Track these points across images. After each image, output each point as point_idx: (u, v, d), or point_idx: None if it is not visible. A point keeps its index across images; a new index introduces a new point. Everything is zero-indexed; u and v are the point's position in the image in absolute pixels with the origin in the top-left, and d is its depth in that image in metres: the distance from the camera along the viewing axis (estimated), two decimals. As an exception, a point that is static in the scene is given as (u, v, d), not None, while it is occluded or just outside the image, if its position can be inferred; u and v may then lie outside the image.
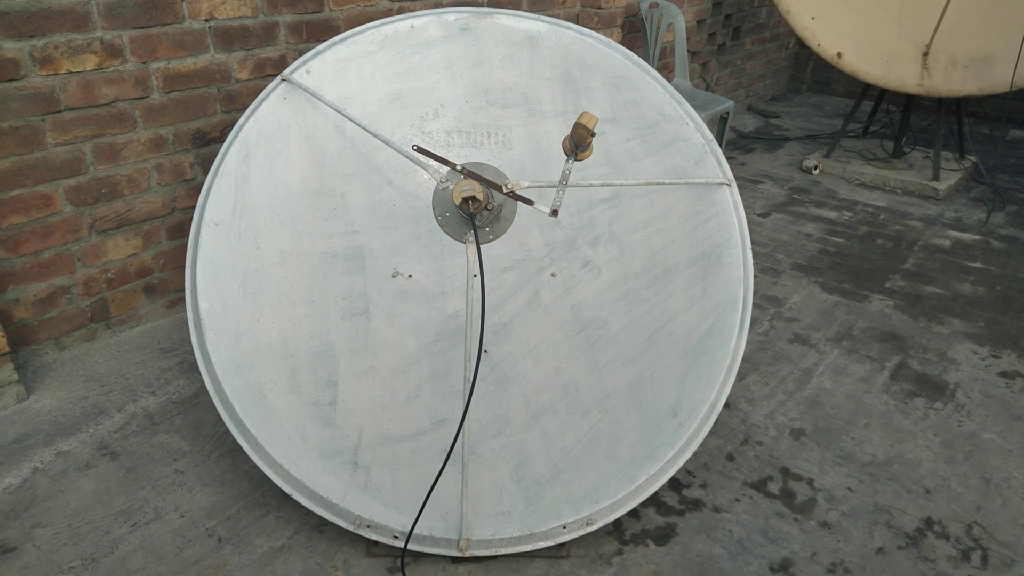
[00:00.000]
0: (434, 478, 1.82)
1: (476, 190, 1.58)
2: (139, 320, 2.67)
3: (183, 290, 2.76)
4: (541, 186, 1.70)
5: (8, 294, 2.30)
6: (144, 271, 2.62)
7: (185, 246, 2.70)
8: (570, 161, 1.54)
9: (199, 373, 2.46)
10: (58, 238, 2.34)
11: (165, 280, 2.69)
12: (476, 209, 1.62)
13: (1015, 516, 2.00)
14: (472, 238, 1.77)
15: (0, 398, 2.22)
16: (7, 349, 2.18)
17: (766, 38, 5.88)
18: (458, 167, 1.64)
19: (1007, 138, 5.36)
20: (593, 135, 1.51)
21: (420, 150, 1.59)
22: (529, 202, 1.57)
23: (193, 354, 2.55)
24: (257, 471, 2.06)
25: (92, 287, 2.49)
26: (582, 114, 1.50)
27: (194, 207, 2.67)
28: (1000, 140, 5.29)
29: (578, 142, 1.53)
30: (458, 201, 1.62)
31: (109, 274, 2.52)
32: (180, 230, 2.66)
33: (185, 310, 2.80)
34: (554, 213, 1.55)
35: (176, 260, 2.70)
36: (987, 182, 4.44)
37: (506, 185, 1.63)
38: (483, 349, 1.89)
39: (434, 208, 1.94)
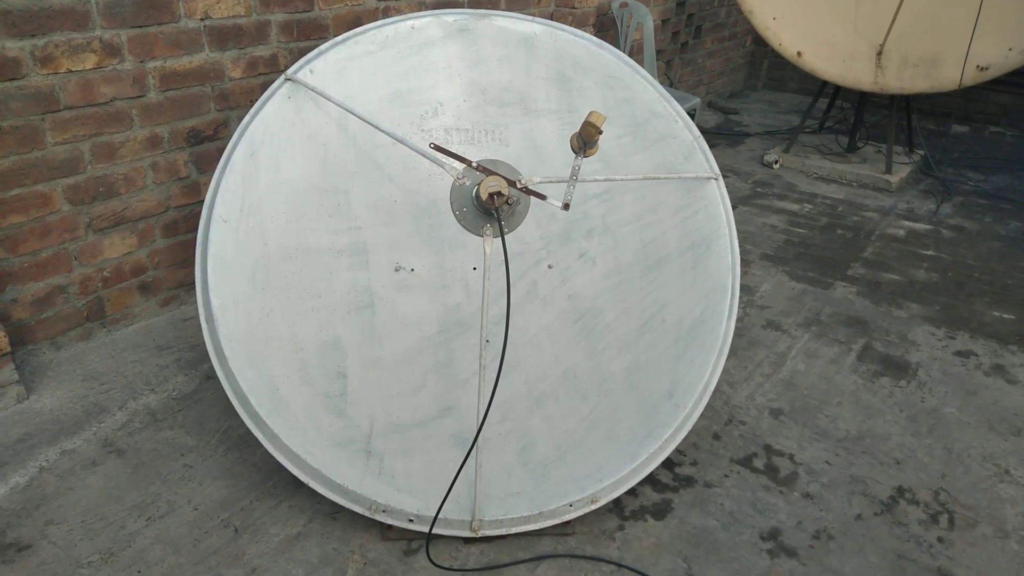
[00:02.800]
0: (445, 463, 1.90)
1: (502, 185, 1.66)
2: (134, 318, 2.68)
3: (177, 288, 2.78)
4: (551, 181, 1.79)
5: (6, 294, 2.29)
6: (139, 269, 2.62)
7: (180, 244, 2.72)
8: (579, 158, 1.64)
9: (197, 370, 2.48)
10: (56, 237, 2.35)
11: (159, 278, 2.71)
12: (500, 203, 1.70)
13: (976, 482, 2.18)
14: (489, 231, 1.86)
15: (1, 398, 2.22)
16: (8, 349, 2.18)
17: (725, 36, 6.08)
18: (474, 164, 1.72)
19: (951, 133, 5.67)
20: (600, 132, 1.61)
21: (438, 148, 1.66)
22: (542, 196, 1.67)
23: (190, 351, 2.58)
24: (266, 463, 2.11)
25: (88, 286, 2.49)
26: (591, 113, 1.59)
27: (188, 205, 2.68)
28: (944, 135, 5.59)
29: (586, 139, 1.63)
30: (485, 196, 1.70)
31: (105, 273, 2.52)
32: (174, 228, 2.67)
33: (179, 308, 2.82)
34: (566, 207, 1.65)
35: (170, 258, 2.71)
36: (935, 175, 4.70)
37: (519, 180, 1.72)
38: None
39: (452, 204, 2.01)
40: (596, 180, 2.03)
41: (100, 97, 2.30)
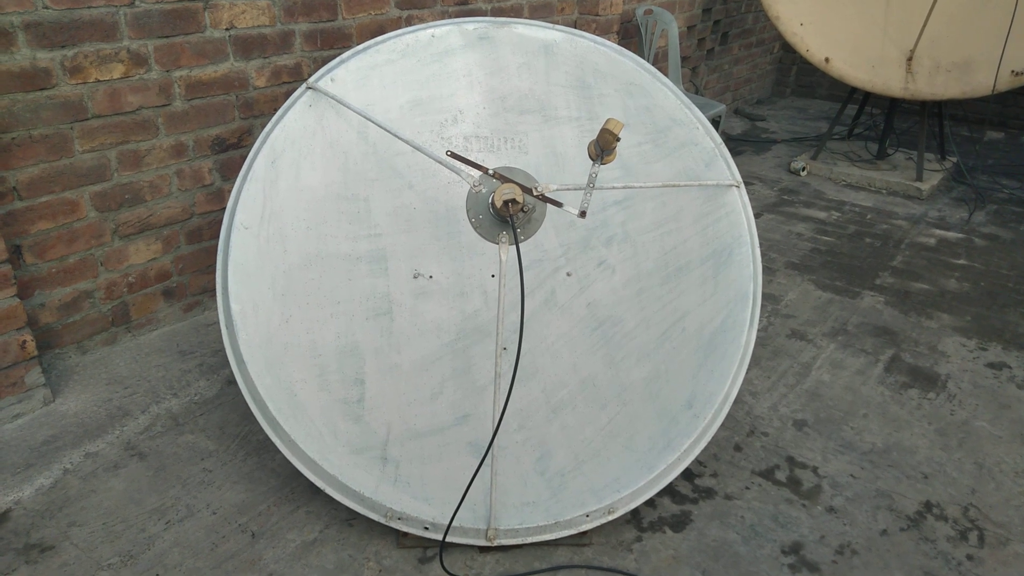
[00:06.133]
0: (461, 471, 1.90)
1: (516, 193, 1.66)
2: (158, 323, 2.72)
3: (201, 293, 2.82)
4: (568, 189, 1.78)
5: (35, 299, 2.34)
6: (163, 275, 2.67)
7: (203, 250, 2.75)
8: (596, 165, 1.63)
9: (219, 375, 2.51)
10: (83, 243, 2.39)
11: (183, 284, 2.74)
12: (515, 211, 1.70)
13: (1008, 498, 2.11)
14: (505, 239, 1.85)
15: (28, 401, 2.27)
16: (35, 353, 2.23)
17: (752, 43, 6.02)
18: (490, 171, 1.72)
19: (984, 140, 5.54)
20: (618, 139, 1.60)
21: (454, 155, 1.66)
22: (558, 204, 1.66)
23: (212, 356, 2.60)
24: (284, 468, 2.12)
25: (114, 291, 2.54)
26: (608, 120, 1.58)
27: (212, 212, 2.72)
28: (978, 141, 5.47)
29: (604, 146, 1.62)
30: (499, 203, 1.70)
31: (130, 278, 2.57)
32: (198, 235, 2.71)
33: (202, 313, 2.86)
34: (582, 215, 1.63)
35: (194, 264, 2.75)
36: (968, 182, 4.60)
37: (536, 188, 1.71)
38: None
39: (468, 211, 2.01)
40: (614, 188, 2.02)
41: (127, 106, 2.34)
